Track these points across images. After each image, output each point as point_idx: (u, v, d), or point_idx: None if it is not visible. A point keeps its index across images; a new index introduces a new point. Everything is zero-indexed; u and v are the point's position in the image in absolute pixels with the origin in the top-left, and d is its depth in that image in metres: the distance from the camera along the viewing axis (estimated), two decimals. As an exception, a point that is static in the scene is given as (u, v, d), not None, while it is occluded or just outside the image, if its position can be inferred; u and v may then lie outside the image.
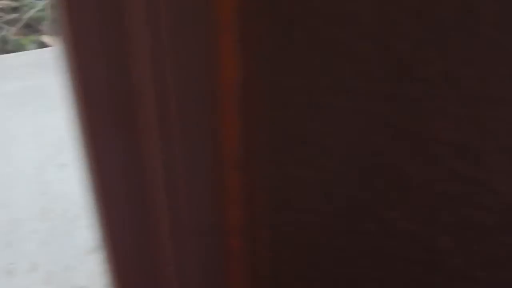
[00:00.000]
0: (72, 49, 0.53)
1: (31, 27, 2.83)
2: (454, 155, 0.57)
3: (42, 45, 2.69)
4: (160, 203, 0.61)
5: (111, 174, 0.58)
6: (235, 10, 0.50)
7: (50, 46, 2.63)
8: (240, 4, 0.50)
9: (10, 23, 2.84)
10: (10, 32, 2.78)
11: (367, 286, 0.67)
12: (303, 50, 0.52)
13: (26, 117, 2.02)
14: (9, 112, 2.04)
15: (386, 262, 0.65)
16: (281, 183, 0.59)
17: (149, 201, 0.61)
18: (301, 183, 0.59)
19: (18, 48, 2.68)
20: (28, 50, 2.64)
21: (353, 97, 0.55)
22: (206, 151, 0.56)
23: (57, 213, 1.64)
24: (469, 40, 0.51)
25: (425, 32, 0.51)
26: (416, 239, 0.62)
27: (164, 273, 0.65)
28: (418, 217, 0.61)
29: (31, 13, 2.87)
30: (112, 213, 0.61)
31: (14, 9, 2.93)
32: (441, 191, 0.59)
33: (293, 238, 0.64)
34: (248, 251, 0.63)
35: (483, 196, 0.59)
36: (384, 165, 0.59)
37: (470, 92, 0.54)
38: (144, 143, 0.57)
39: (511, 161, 0.56)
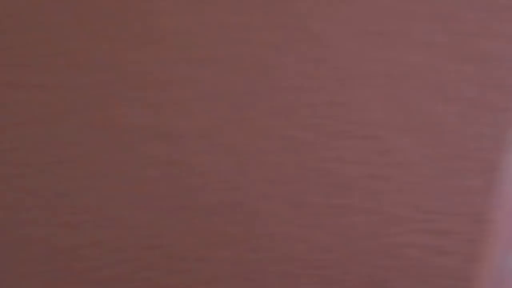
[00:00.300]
0: None
1: None
2: (149, 139, 0.55)
3: None
4: None
5: None
6: None
7: None
8: None
9: None
10: None
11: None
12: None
13: None
14: None
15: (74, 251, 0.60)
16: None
17: None
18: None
19: None
20: None
21: (23, 90, 0.53)
22: None
23: None
24: (145, 28, 0.50)
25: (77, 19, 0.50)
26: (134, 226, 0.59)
27: None
28: (117, 203, 0.58)
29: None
30: None
31: None
32: (141, 175, 0.57)
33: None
34: None
35: (188, 178, 0.56)
36: (73, 156, 0.56)
37: (145, 76, 0.53)
38: None
39: (209, 141, 0.55)
